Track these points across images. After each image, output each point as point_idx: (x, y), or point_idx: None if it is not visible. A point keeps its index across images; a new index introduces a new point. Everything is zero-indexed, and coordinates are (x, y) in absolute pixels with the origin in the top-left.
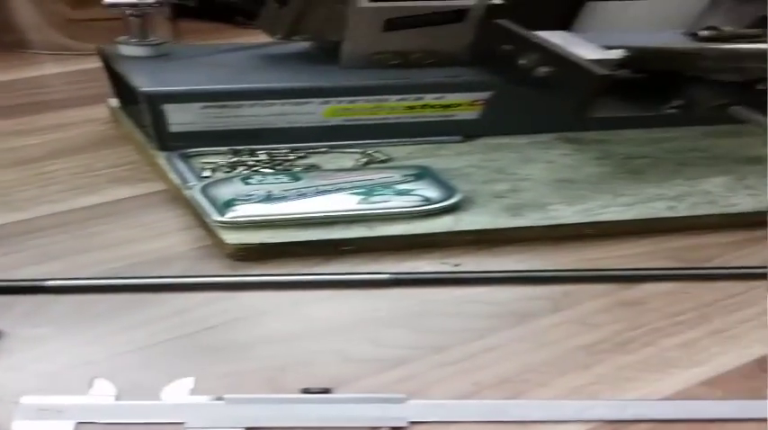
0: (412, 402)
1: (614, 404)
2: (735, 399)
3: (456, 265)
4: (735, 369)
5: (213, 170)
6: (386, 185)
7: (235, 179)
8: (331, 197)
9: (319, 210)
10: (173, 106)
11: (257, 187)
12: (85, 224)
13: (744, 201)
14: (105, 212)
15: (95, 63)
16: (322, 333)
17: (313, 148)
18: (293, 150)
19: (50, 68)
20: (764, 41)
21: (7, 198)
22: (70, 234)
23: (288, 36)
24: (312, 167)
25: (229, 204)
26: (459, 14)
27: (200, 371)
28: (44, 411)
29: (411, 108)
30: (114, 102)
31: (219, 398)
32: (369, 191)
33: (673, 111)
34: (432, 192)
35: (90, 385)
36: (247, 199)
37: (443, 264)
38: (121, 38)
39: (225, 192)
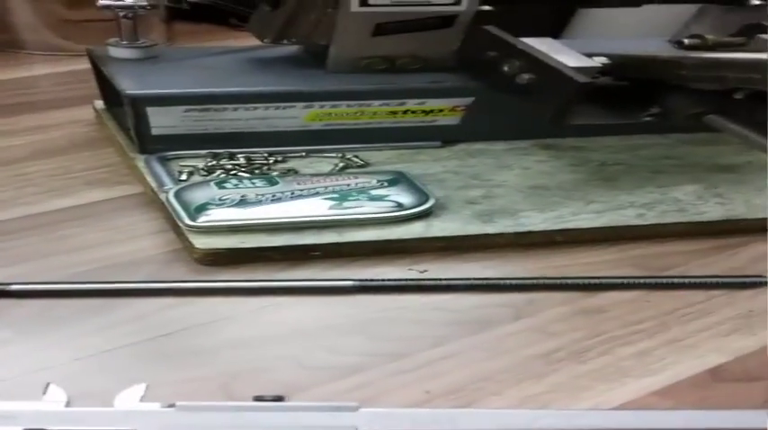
0: (363, 410)
1: (563, 414)
2: (683, 409)
3: (423, 271)
4: (687, 378)
5: (190, 173)
6: (361, 191)
7: (210, 183)
8: (305, 202)
9: (291, 216)
10: (156, 109)
11: (232, 191)
12: (57, 227)
13: (712, 210)
14: (79, 215)
15: (86, 64)
16: (280, 340)
17: (292, 153)
18: (272, 154)
19: (41, 69)
20: (746, 51)
21: None
22: (41, 236)
23: (277, 40)
24: (290, 172)
25: (202, 209)
26: (448, 20)
27: (154, 378)
28: None
29: (393, 113)
30: (100, 103)
31: (171, 405)
32: (343, 196)
33: (650, 119)
34: (405, 197)
35: (44, 391)
36: (220, 203)
37: (411, 270)
38: (111, 40)
39: (199, 196)
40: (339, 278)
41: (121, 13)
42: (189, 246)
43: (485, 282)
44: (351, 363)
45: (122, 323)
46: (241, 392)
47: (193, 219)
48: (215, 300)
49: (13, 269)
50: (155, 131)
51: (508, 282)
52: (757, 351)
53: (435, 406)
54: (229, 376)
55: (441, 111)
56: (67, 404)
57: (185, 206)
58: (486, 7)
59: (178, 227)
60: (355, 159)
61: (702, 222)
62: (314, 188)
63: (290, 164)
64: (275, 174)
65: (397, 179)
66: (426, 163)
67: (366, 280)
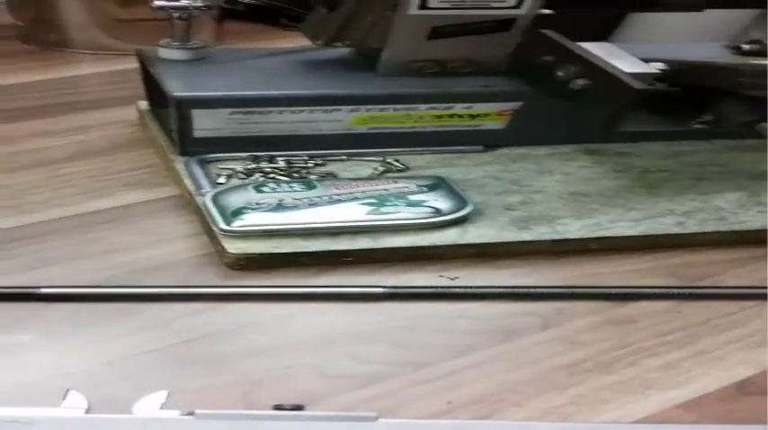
0: (382, 420)
1: (583, 426)
2: (705, 423)
3: (454, 278)
4: (713, 392)
5: (229, 176)
6: (399, 196)
7: (248, 186)
8: (342, 207)
9: (326, 221)
10: (201, 111)
11: (269, 195)
12: (91, 229)
13: (753, 219)
14: (113, 217)
15: (133, 64)
16: (302, 347)
17: (333, 156)
18: (312, 158)
19: (88, 68)
20: None
21: (19, 201)
22: (74, 239)
23: (330, 42)
24: (329, 175)
25: (238, 213)
26: (505, 24)
27: (176, 385)
28: (14, 423)
29: (439, 117)
30: (144, 104)
31: (190, 413)
32: (381, 201)
33: (701, 126)
34: (443, 203)
35: (63, 397)
36: (257, 207)
37: (441, 277)
38: (162, 41)
39: (236, 200)
40: (369, 284)
41: (176, 14)
42: (221, 251)
43: (513, 290)
44: (374, 372)
45: (146, 328)
46: (261, 400)
47: (229, 224)
48: (239, 306)
49: (43, 271)
50: (197, 134)
51: (537, 290)
52: None
53: (456, 416)
54: (251, 384)
55: (487, 115)
56: (88, 410)
57: (222, 210)
58: (546, 11)
59: (212, 230)
60: (395, 163)
61: (742, 231)
62: (352, 193)
63: (330, 167)
64: (314, 178)
65: (437, 184)
66: (467, 167)
67: (395, 287)
